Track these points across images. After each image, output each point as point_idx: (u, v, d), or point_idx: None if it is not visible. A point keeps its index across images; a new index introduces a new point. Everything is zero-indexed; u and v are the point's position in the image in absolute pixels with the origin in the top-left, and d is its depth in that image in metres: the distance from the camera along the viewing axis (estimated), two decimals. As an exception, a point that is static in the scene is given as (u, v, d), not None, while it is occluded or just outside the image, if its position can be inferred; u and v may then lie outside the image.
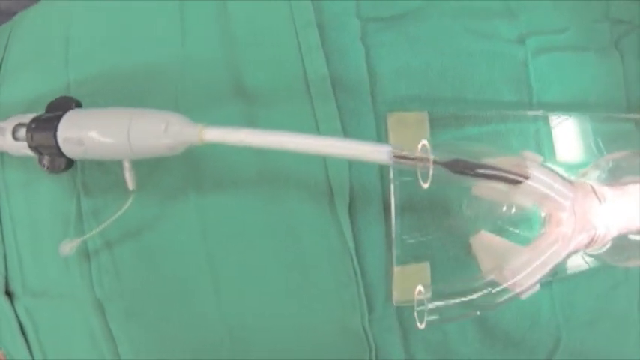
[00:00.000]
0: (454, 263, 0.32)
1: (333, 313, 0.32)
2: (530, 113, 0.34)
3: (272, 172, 0.31)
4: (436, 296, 0.29)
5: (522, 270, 0.27)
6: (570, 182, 0.29)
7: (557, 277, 0.35)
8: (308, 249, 0.31)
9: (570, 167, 0.34)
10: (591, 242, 0.30)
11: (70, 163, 0.29)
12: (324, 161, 0.31)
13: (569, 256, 0.29)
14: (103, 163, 0.31)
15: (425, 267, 0.32)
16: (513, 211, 0.32)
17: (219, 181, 0.32)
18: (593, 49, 0.36)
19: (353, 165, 0.31)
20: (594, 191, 0.30)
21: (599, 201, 0.29)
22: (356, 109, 0.31)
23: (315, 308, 0.32)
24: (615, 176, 0.32)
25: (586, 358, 0.36)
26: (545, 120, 0.34)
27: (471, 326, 0.34)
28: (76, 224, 0.32)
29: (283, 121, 0.31)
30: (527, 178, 0.26)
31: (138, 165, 0.29)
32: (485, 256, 0.31)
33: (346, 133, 0.31)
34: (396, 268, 0.31)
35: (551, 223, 0.30)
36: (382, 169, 0.31)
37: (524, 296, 0.28)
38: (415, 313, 0.28)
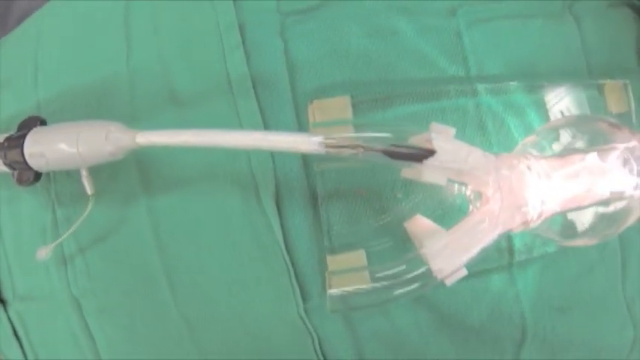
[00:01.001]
0: (391, 250, 0.31)
1: (271, 304, 0.32)
2: (467, 87, 0.32)
3: (205, 169, 0.32)
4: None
5: (441, 254, 0.26)
6: (494, 155, 0.27)
7: (516, 260, 0.33)
8: (241, 241, 0.32)
9: (515, 140, 0.32)
10: (526, 221, 0.28)
11: (37, 175, 0.32)
12: (247, 154, 0.31)
13: (500, 237, 0.27)
14: (71, 174, 0.34)
15: (360, 254, 0.31)
16: (455, 191, 0.30)
17: (165, 182, 0.33)
18: (541, 15, 0.34)
19: (276, 155, 0.31)
20: (525, 163, 0.28)
21: (532, 174, 0.27)
22: (275, 103, 0.32)
23: (256, 299, 0.32)
24: (559, 144, 0.30)
25: (561, 349, 0.34)
26: (488, 93, 0.32)
27: (423, 315, 0.32)
28: (52, 232, 0.35)
29: (209, 121, 0.32)
30: (432, 152, 0.25)
31: (99, 172, 0.32)
32: (416, 241, 0.29)
33: (267, 127, 0.31)
34: (329, 258, 0.31)
35: (481, 202, 0.28)
36: (305, 158, 0.31)
37: (448, 282, 0.27)
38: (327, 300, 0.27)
